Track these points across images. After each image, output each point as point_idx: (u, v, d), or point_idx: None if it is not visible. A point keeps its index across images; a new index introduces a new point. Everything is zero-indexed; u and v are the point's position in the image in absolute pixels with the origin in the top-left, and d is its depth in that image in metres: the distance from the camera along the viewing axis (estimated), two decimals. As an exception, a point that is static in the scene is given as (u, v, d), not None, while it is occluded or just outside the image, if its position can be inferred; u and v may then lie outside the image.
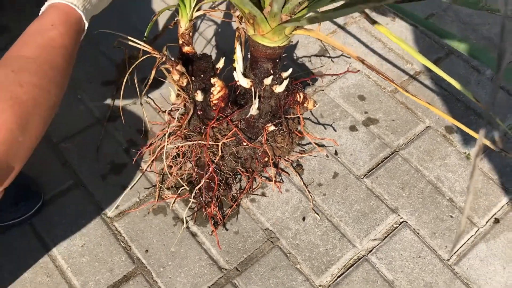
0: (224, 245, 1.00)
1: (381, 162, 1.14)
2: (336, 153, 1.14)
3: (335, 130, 1.18)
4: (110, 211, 1.03)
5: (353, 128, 1.19)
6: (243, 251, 1.00)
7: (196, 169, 0.99)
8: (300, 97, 0.98)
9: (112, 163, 1.10)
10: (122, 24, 1.35)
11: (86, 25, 0.68)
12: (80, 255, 0.98)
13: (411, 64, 1.32)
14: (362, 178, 1.11)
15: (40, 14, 0.65)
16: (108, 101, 1.20)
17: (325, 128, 1.18)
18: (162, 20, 1.38)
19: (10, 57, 0.59)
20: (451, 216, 1.06)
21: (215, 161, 0.96)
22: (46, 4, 0.66)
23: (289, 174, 1.10)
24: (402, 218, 1.06)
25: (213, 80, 0.89)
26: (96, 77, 1.24)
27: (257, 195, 1.07)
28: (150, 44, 0.85)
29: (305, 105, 1.00)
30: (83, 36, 0.69)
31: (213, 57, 1.31)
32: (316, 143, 1.14)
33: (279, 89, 0.90)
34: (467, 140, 1.17)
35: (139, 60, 0.82)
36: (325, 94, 1.25)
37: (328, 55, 1.33)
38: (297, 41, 1.35)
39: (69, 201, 1.04)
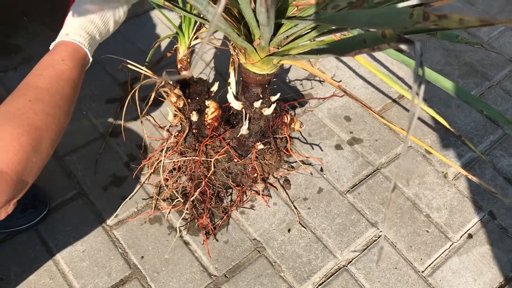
0: (214, 253, 1.08)
1: (364, 179, 1.22)
2: (321, 169, 1.23)
3: (322, 150, 1.27)
4: (110, 220, 1.12)
5: (338, 147, 1.28)
6: (232, 259, 1.08)
7: (190, 183, 1.08)
8: (287, 119, 1.07)
9: (113, 175, 1.18)
10: (128, 47, 1.44)
11: (91, 59, 0.77)
12: (81, 259, 1.06)
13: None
14: (345, 194, 1.19)
15: (51, 48, 0.75)
16: (111, 118, 1.29)
17: (313, 148, 1.27)
18: (164, 44, 1.47)
19: (27, 87, 0.68)
20: (427, 231, 1.14)
21: (208, 175, 1.05)
22: (57, 40, 0.75)
23: (277, 189, 1.18)
24: (381, 231, 1.14)
25: (207, 102, 0.98)
26: (101, 95, 1.33)
27: (247, 207, 1.15)
28: (151, 68, 0.94)
29: (292, 126, 1.09)
30: (87, 67, 0.79)
31: (211, 77, 1.40)
32: (302, 161, 1.22)
33: (267, 111, 0.99)
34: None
35: (141, 83, 0.91)
36: (314, 114, 1.34)
37: (318, 78, 1.42)
38: (290, 65, 1.44)
39: (73, 210, 1.13)
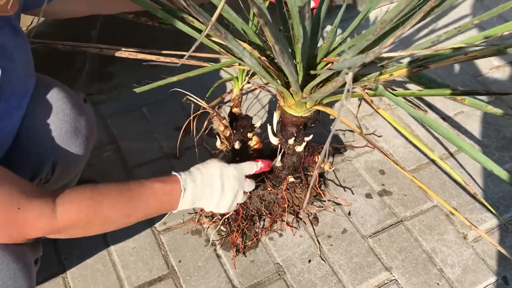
0: (240, 268, 1.23)
1: (386, 227, 1.33)
2: (349, 213, 1.36)
3: (353, 194, 1.40)
4: (159, 225, 1.32)
5: (368, 196, 1.40)
6: (255, 277, 1.22)
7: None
8: (318, 158, 1.23)
9: (168, 189, 1.39)
10: (200, 84, 1.69)
11: (176, 211, 0.94)
12: (130, 254, 1.26)
13: (432, 151, 1.52)
14: (367, 238, 1.31)
15: (167, 177, 0.92)
16: (176, 142, 1.52)
17: (345, 190, 1.41)
18: (228, 84, 1.71)
19: (127, 190, 0.86)
20: (438, 283, 1.22)
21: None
22: (181, 185, 0.92)
23: (305, 223, 1.33)
24: (393, 276, 1.23)
25: (249, 135, 1.18)
26: (171, 122, 1.57)
27: (275, 234, 1.30)
28: (208, 103, 1.16)
29: (322, 165, 1.24)
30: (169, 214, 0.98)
31: (264, 119, 1.60)
32: (334, 202, 1.36)
33: (299, 148, 1.16)
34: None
35: (198, 112, 1.12)
36: (351, 164, 1.48)
37: (360, 131, 1.57)
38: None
39: (131, 212, 1.34)
